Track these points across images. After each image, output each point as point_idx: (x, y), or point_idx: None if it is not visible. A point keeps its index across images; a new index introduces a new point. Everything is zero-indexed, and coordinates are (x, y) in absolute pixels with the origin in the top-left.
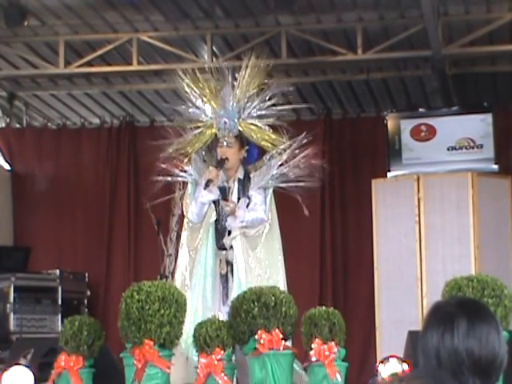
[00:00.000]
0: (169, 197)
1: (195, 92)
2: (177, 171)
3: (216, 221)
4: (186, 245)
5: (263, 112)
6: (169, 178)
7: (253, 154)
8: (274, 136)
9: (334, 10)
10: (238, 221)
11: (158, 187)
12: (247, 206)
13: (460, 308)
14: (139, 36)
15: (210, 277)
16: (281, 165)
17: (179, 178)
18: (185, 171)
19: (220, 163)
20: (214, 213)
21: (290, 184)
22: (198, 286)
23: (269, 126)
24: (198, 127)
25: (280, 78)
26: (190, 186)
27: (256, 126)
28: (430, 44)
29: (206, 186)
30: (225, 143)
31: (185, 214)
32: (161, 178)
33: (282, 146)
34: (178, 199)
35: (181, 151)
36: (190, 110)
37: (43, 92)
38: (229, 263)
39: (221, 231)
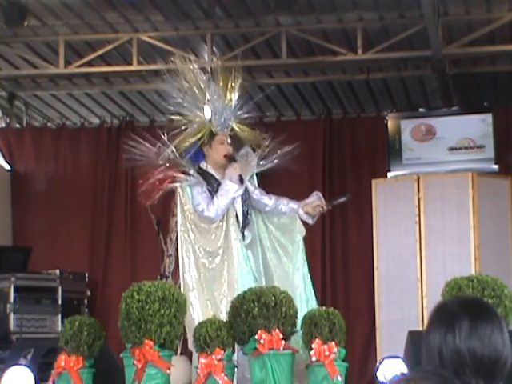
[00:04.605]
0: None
1: (194, 88)
2: (181, 175)
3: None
4: (200, 247)
5: (246, 112)
6: (174, 184)
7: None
8: (258, 136)
9: (334, 10)
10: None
11: (162, 194)
12: (249, 201)
13: (463, 307)
14: (139, 36)
15: (251, 271)
16: (254, 151)
17: (183, 181)
18: (187, 174)
19: (233, 159)
20: (235, 207)
21: (271, 165)
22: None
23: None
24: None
25: (280, 77)
26: (188, 189)
27: (244, 125)
28: (430, 44)
29: (241, 181)
30: (229, 140)
31: (191, 217)
32: (167, 185)
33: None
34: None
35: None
36: (188, 105)
37: (43, 92)
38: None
39: (240, 224)
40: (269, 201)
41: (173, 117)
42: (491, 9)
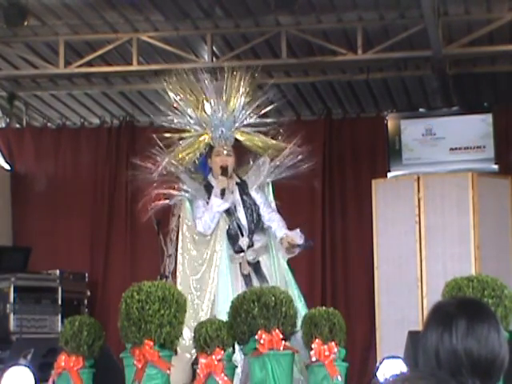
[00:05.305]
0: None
1: (186, 100)
2: (173, 192)
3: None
4: (192, 259)
5: (256, 119)
6: (167, 201)
7: (205, 166)
8: (272, 141)
9: (334, 10)
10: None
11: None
12: (255, 207)
13: (460, 308)
14: (139, 36)
15: (230, 281)
16: (272, 160)
17: (178, 198)
18: (181, 190)
19: (225, 172)
20: (226, 220)
21: (287, 173)
22: (224, 291)
23: (261, 131)
24: (183, 137)
25: (280, 77)
26: (186, 204)
27: (252, 132)
28: (430, 44)
29: (222, 194)
30: (225, 152)
31: (187, 231)
32: (160, 202)
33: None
34: (176, 214)
35: (170, 169)
36: (180, 120)
37: (43, 92)
38: (250, 264)
39: (233, 236)
40: (266, 220)
41: (169, 134)
42: (491, 9)
